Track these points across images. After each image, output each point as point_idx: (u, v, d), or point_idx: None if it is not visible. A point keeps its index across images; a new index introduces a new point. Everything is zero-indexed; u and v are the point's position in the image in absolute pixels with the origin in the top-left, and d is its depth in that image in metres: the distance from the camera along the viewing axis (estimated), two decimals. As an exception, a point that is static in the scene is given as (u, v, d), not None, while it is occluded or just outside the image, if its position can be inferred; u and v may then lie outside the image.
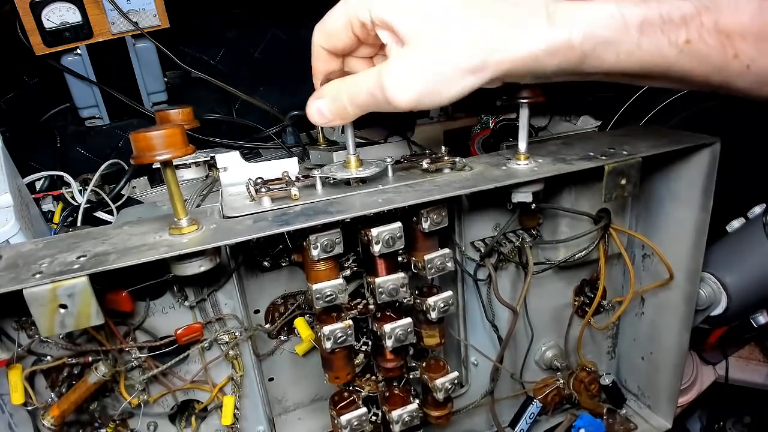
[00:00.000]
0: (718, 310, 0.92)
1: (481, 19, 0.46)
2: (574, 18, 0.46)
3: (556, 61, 0.47)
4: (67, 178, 0.95)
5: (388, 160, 0.69)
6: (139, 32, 0.96)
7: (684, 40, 0.45)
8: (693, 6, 0.45)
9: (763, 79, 0.46)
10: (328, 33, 0.53)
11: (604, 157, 0.68)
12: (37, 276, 0.48)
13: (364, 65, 0.58)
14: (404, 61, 0.48)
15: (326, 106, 0.53)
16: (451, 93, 0.48)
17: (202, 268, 0.55)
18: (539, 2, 0.47)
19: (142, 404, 0.68)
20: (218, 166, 0.68)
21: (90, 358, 0.63)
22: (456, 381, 0.71)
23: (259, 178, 0.65)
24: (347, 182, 0.65)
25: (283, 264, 0.76)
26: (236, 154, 0.69)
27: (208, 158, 0.82)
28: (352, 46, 0.55)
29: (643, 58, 0.46)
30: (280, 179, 0.65)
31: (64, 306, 0.48)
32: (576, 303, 0.89)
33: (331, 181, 0.65)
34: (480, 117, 1.14)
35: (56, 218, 0.89)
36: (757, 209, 0.94)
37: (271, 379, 0.84)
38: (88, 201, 0.92)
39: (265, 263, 0.75)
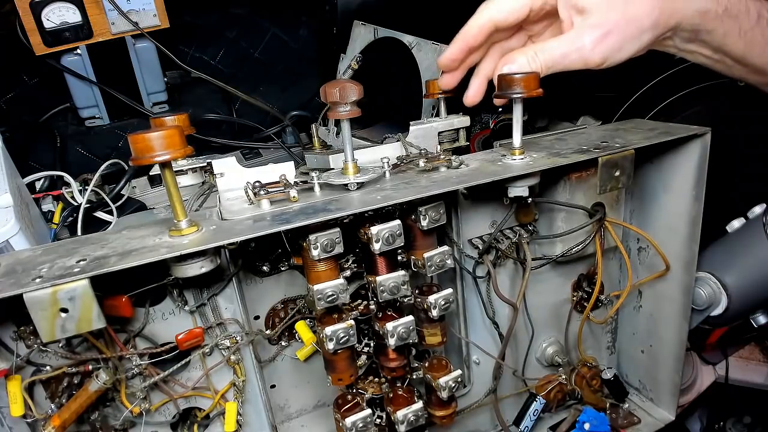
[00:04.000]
0: (718, 310, 0.91)
1: None
2: None
3: (701, 21, 0.63)
4: (67, 178, 0.95)
5: (385, 161, 0.69)
6: (139, 32, 0.96)
7: None
8: None
9: None
10: (508, 10, 0.68)
11: (597, 150, 0.69)
12: (37, 280, 0.48)
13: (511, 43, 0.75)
14: (596, 26, 0.62)
15: (520, 68, 0.66)
16: (635, 48, 0.63)
17: (203, 269, 0.55)
18: None
19: (144, 413, 0.67)
20: (215, 172, 0.68)
21: (90, 367, 0.62)
22: (459, 379, 0.71)
23: (257, 181, 0.65)
24: (345, 186, 0.65)
25: (283, 268, 0.76)
26: (233, 159, 0.68)
27: (205, 164, 0.82)
28: (520, 23, 0.70)
29: (750, 39, 0.62)
30: (277, 182, 0.65)
31: (65, 310, 0.48)
32: (574, 298, 0.89)
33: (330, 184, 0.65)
34: (480, 117, 1.14)
35: (56, 218, 0.89)
36: (757, 209, 0.93)
37: (273, 386, 0.83)
38: (88, 201, 0.92)
39: (264, 268, 0.74)
